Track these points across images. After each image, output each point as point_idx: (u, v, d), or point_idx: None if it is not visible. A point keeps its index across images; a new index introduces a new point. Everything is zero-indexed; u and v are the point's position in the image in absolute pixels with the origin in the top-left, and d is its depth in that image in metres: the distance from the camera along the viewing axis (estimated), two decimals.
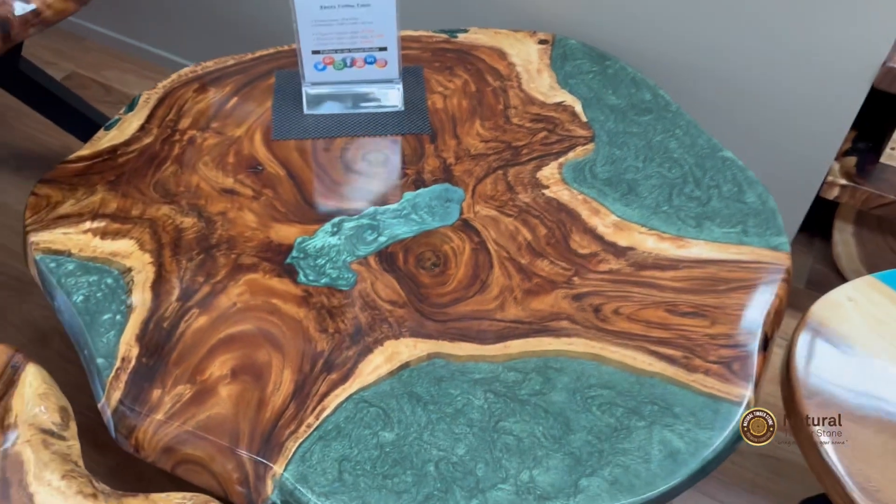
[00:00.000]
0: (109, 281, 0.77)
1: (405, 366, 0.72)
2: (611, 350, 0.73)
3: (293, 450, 0.66)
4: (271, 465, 0.65)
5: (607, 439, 0.67)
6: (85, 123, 1.31)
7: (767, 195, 0.87)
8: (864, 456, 0.68)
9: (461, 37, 1.08)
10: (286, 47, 1.05)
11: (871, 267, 1.24)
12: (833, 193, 1.11)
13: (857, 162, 1.12)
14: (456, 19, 1.19)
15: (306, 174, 0.89)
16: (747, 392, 0.70)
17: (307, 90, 0.95)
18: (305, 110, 0.96)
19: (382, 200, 0.87)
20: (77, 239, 0.81)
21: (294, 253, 0.81)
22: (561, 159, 0.91)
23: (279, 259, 0.80)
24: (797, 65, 1.03)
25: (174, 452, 0.67)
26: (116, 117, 0.95)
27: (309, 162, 0.91)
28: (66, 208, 0.84)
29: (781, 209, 0.87)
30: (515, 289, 0.78)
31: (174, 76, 1.01)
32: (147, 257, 0.80)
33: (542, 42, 1.07)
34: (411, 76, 1.01)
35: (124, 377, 0.70)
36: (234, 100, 0.97)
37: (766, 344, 0.75)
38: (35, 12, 0.77)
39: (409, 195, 0.87)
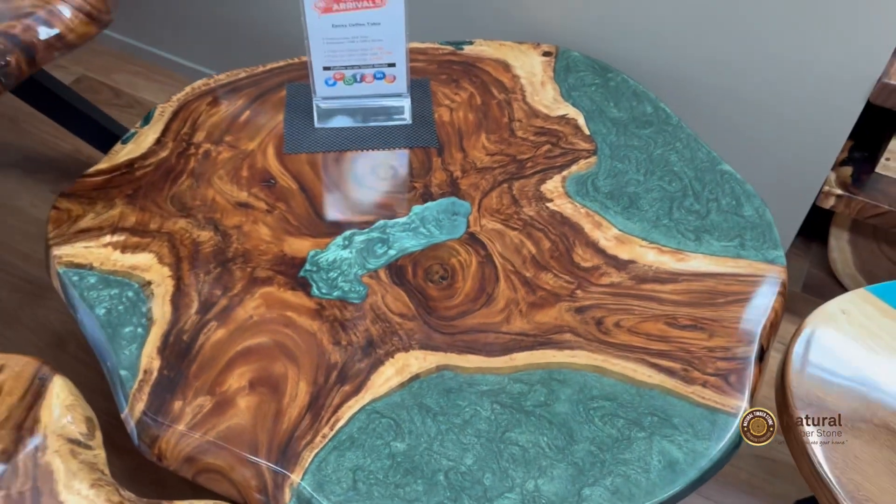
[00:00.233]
0: (130, 294, 0.80)
1: (415, 377, 0.75)
2: (612, 362, 0.76)
3: (309, 459, 0.69)
4: (289, 474, 0.68)
5: (609, 450, 0.70)
6: (95, 128, 1.34)
7: (765, 208, 0.90)
8: (855, 465, 0.71)
9: (467, 49, 1.11)
10: (296, 60, 1.08)
11: (866, 273, 1.27)
12: (829, 203, 1.14)
13: (853, 172, 1.15)
14: (462, 31, 1.21)
15: (318, 188, 0.92)
16: (743, 404, 0.74)
17: (318, 104, 0.98)
18: (316, 124, 0.99)
19: (391, 214, 0.90)
20: (98, 252, 0.84)
21: (307, 266, 0.84)
22: (564, 172, 0.94)
23: (293, 272, 0.83)
24: (796, 80, 1.06)
25: (196, 462, 0.70)
26: (133, 130, 0.98)
27: (320, 175, 0.94)
28: (86, 222, 0.87)
29: (779, 217, 0.90)
30: (520, 302, 0.81)
31: (188, 89, 1.03)
32: (166, 270, 0.83)
33: (545, 54, 1.10)
34: (419, 89, 1.03)
35: (147, 389, 0.73)
36: (247, 113, 1.00)
37: (761, 356, 0.78)
38: (59, 36, 0.80)
39: (417, 208, 0.90)
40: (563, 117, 1.01)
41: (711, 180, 0.93)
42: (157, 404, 0.72)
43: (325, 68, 0.95)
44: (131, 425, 0.72)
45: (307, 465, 0.69)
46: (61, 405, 0.71)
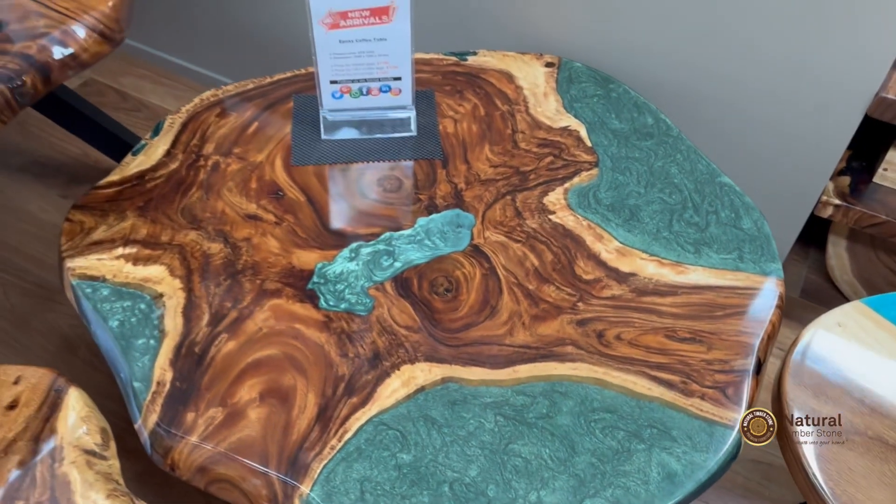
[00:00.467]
0: (143, 306, 0.82)
1: (420, 389, 0.77)
2: (613, 375, 0.78)
3: (318, 470, 0.71)
4: (298, 485, 0.70)
5: (609, 461, 0.72)
6: (101, 133, 1.36)
7: (763, 221, 0.92)
8: (849, 477, 0.73)
9: (470, 59, 1.12)
10: (303, 70, 1.09)
11: (864, 279, 1.29)
12: (827, 212, 1.16)
13: (851, 182, 1.17)
14: (465, 41, 1.23)
15: (325, 200, 0.94)
16: (740, 416, 0.76)
17: (325, 117, 1.00)
18: (323, 136, 1.01)
19: (397, 226, 0.92)
20: (110, 265, 0.86)
21: (315, 278, 0.86)
22: (566, 184, 0.96)
23: (301, 284, 0.85)
24: (795, 92, 1.08)
25: (208, 472, 0.72)
26: (143, 142, 0.99)
27: (327, 187, 0.96)
28: (98, 234, 0.89)
29: (777, 226, 0.92)
30: (523, 314, 0.83)
31: (196, 100, 1.05)
32: (177, 283, 0.85)
33: (548, 65, 1.12)
34: (423, 100, 1.05)
35: (160, 401, 0.75)
36: (255, 124, 1.02)
37: (759, 369, 0.80)
38: (73, 56, 0.82)
39: (422, 221, 0.92)
40: (565, 129, 1.03)
41: (711, 192, 0.95)
42: (169, 416, 0.75)
43: (332, 82, 0.97)
44: (145, 436, 0.74)
45: (316, 475, 0.71)
46: (77, 416, 0.73)
